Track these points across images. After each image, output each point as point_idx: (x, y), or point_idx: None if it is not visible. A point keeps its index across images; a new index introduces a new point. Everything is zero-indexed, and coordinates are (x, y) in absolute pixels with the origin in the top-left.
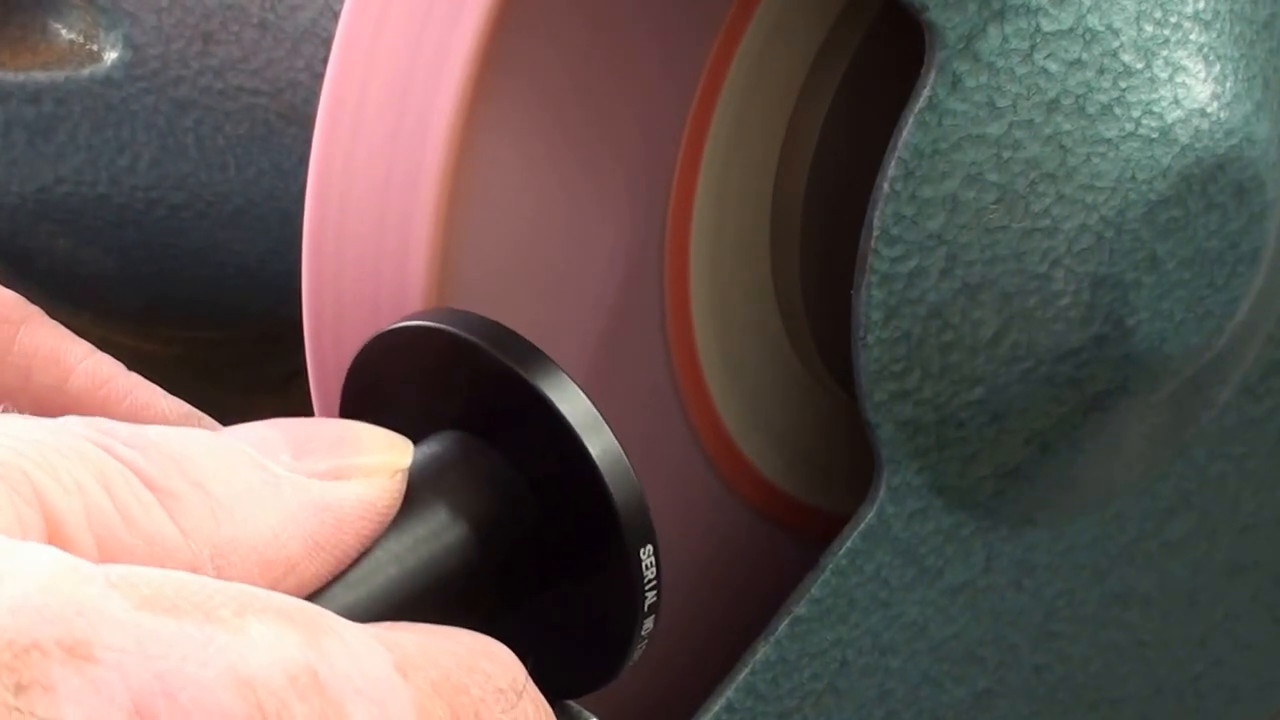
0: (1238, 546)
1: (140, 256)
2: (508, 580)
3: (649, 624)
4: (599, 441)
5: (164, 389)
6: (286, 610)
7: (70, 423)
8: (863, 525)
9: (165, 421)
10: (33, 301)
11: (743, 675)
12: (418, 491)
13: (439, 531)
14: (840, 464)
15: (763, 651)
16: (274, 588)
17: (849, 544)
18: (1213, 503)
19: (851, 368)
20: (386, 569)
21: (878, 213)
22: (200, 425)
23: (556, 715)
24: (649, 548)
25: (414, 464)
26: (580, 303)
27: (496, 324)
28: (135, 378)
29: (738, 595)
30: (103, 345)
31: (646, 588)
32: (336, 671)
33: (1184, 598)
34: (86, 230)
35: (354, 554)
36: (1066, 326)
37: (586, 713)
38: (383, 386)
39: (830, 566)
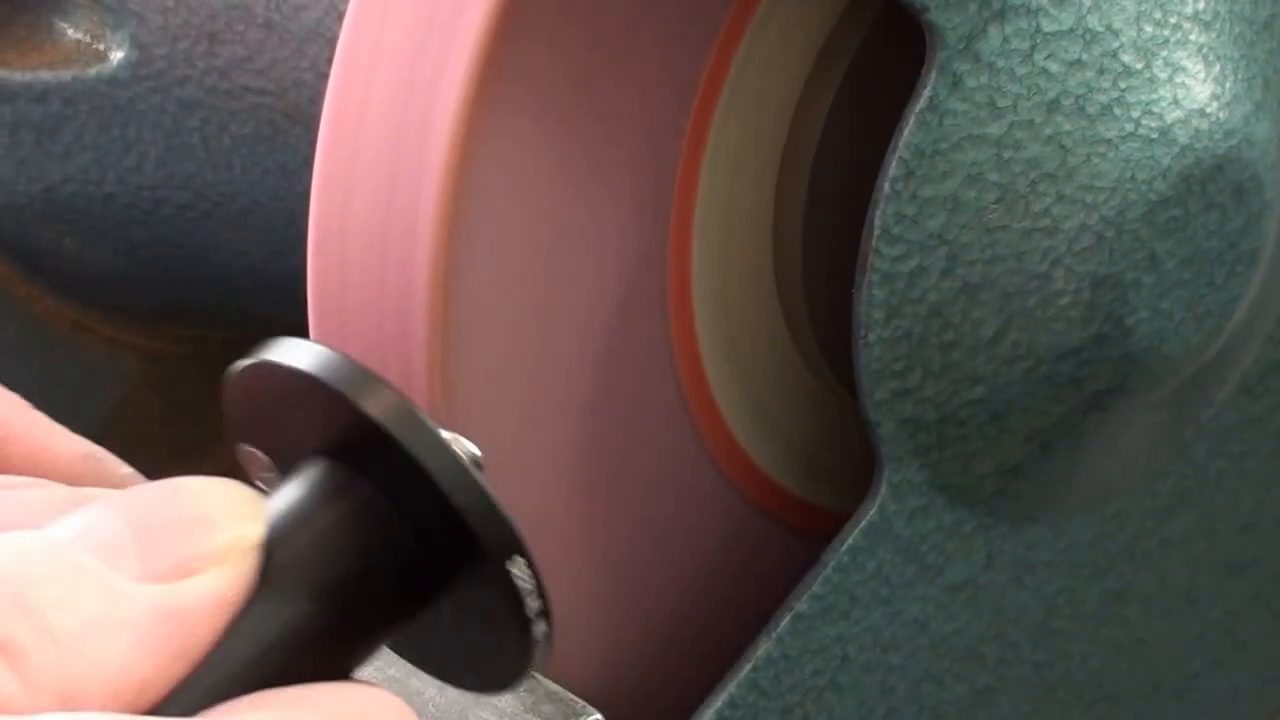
0: (1237, 545)
1: (146, 256)
2: (389, 608)
3: (542, 626)
4: (449, 469)
5: (173, 387)
6: None
7: None
8: (864, 522)
9: (61, 463)
10: (41, 299)
11: (745, 671)
12: (276, 556)
13: (297, 598)
14: (842, 461)
15: (765, 648)
16: (128, 710)
17: (850, 541)
18: (1212, 502)
19: (853, 366)
20: (242, 649)
21: (879, 212)
22: (101, 466)
23: (561, 709)
24: (518, 560)
25: (273, 517)
26: (584, 304)
27: (336, 354)
28: (36, 416)
29: (740, 592)
30: (112, 344)
31: (527, 597)
32: None
33: (1183, 596)
34: (93, 229)
35: (210, 645)
36: (1066, 326)
37: (590, 707)
38: (263, 413)
39: (832, 563)
